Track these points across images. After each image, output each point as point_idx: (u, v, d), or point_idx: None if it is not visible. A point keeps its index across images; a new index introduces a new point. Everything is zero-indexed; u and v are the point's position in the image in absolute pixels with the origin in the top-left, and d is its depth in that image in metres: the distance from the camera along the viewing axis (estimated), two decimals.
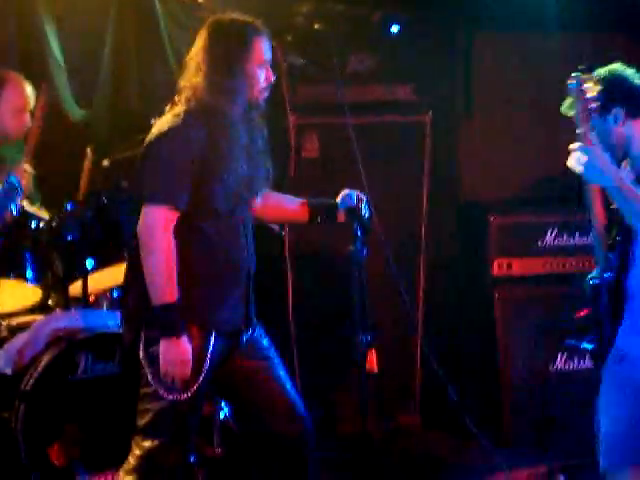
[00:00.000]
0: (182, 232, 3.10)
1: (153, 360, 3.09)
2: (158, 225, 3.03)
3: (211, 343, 3.15)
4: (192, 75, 3.07)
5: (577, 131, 2.88)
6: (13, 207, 3.84)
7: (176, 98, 3.17)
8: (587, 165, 2.65)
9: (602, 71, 3.00)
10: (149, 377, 3.10)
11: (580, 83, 2.91)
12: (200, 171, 3.01)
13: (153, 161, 3.10)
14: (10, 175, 3.79)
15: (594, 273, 3.01)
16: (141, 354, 3.12)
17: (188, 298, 3.09)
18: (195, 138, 3.01)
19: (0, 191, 3.79)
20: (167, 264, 2.98)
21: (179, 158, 3.04)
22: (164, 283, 2.99)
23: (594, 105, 2.77)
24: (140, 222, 3.02)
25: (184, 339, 3.00)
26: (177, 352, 3.01)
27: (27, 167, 4.20)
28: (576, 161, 2.76)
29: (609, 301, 2.84)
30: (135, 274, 3.20)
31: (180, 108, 3.09)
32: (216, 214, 3.14)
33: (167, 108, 3.22)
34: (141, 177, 3.16)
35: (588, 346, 3.05)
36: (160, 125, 3.11)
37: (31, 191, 4.33)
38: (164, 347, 3.01)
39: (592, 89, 2.80)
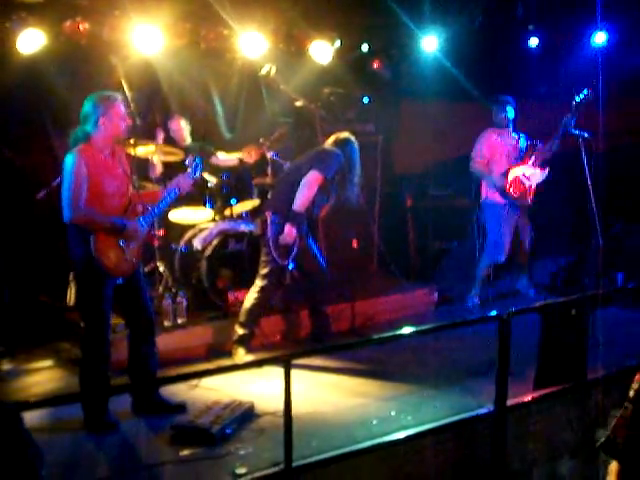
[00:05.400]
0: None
1: (275, 241, 5.18)
2: (313, 181, 5.22)
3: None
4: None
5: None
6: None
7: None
8: None
9: None
10: (271, 247, 5.20)
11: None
12: None
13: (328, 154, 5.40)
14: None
15: None
16: (269, 234, 5.15)
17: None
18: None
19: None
20: (310, 197, 5.21)
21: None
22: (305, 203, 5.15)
23: None
24: (305, 179, 5.22)
25: (295, 229, 5.17)
26: (292, 233, 5.17)
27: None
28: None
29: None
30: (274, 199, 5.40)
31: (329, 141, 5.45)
32: None
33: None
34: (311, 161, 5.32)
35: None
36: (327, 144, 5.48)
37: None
38: (288, 229, 5.12)
39: None
